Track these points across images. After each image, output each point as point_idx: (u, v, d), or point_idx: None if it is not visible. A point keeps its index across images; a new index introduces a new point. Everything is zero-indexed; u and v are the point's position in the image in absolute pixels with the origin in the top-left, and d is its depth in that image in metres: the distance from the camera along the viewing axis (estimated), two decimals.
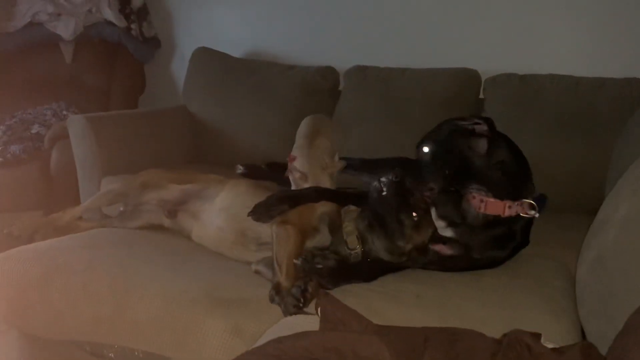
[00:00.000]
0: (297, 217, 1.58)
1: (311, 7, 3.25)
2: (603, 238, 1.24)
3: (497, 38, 2.86)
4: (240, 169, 2.45)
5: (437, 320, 1.29)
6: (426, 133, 1.72)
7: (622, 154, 2.09)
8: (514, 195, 1.55)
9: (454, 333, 1.07)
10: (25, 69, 3.45)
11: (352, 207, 1.62)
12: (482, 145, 1.55)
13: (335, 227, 1.60)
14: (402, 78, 2.80)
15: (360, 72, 2.91)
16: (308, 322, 1.23)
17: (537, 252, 1.70)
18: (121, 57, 3.50)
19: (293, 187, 1.81)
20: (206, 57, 3.20)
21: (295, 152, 1.90)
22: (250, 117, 2.96)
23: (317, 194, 1.67)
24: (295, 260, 1.46)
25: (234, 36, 3.43)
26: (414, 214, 1.50)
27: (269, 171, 2.35)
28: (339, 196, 1.71)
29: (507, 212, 1.53)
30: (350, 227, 1.56)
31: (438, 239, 1.54)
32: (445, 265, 1.57)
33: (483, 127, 1.57)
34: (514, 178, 1.57)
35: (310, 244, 1.57)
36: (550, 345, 1.02)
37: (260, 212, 1.57)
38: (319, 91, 2.97)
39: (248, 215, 1.57)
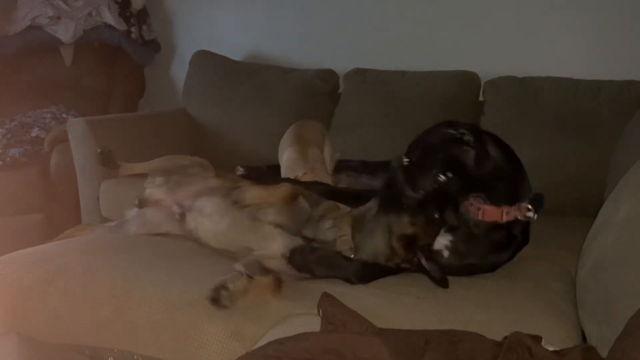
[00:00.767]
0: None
1: (311, 10, 3.25)
2: (603, 241, 1.24)
3: (496, 41, 2.87)
4: (240, 170, 2.45)
5: (437, 323, 1.29)
6: (416, 137, 1.71)
7: (622, 156, 2.09)
8: (511, 199, 1.54)
9: (455, 335, 1.07)
10: (25, 72, 3.45)
11: (347, 210, 1.63)
12: (471, 153, 1.53)
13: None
14: (401, 81, 2.81)
15: (360, 75, 2.92)
16: (309, 323, 1.22)
17: (537, 254, 1.70)
18: (121, 60, 3.50)
19: None
20: (206, 60, 3.21)
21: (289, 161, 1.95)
22: (250, 120, 2.96)
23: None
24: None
25: (233, 39, 3.44)
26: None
27: (269, 173, 2.35)
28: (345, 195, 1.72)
29: (505, 218, 1.52)
30: (346, 236, 1.55)
31: (422, 248, 1.52)
32: (444, 270, 1.57)
33: (469, 138, 1.54)
34: (509, 182, 1.55)
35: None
36: (550, 348, 1.02)
37: None
38: (319, 94, 2.98)
39: None
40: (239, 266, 1.50)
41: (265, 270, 1.49)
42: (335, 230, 1.57)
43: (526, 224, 1.60)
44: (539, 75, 2.62)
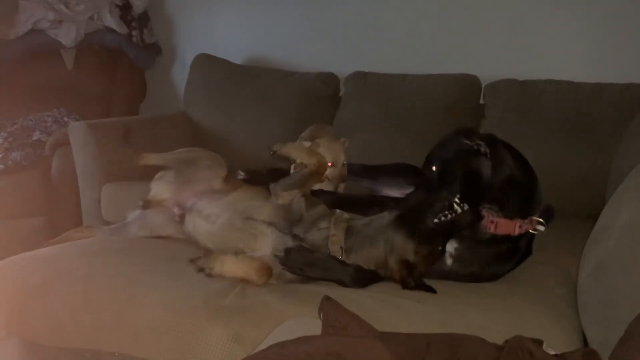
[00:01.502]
0: None
1: (312, 13, 3.26)
2: (604, 244, 1.24)
3: (497, 44, 2.87)
4: (241, 174, 2.45)
5: (438, 327, 1.29)
6: (432, 148, 1.69)
7: (623, 159, 2.09)
8: (524, 212, 1.53)
9: (456, 339, 1.07)
10: (27, 75, 3.46)
11: (345, 216, 1.62)
12: (487, 165, 1.52)
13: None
14: (402, 84, 2.81)
15: (361, 78, 2.92)
16: (310, 327, 1.22)
17: (538, 258, 1.70)
18: (122, 64, 3.51)
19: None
20: (207, 64, 3.21)
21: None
22: (250, 123, 2.96)
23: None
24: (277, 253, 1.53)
25: (234, 43, 3.45)
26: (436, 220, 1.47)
27: (270, 176, 2.35)
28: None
29: (518, 231, 1.52)
30: (337, 235, 1.55)
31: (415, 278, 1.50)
32: (445, 276, 1.56)
33: (485, 149, 1.54)
34: (524, 195, 1.54)
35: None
36: (551, 352, 1.02)
37: None
38: (320, 97, 2.98)
39: None
40: None
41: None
42: (325, 232, 1.57)
43: (532, 236, 1.59)
44: (540, 78, 2.62)
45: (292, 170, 1.89)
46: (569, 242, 1.82)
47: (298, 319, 1.36)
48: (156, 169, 1.98)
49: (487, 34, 2.89)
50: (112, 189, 2.62)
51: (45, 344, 1.54)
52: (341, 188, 2.11)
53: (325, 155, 1.84)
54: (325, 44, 3.24)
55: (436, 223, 1.44)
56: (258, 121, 2.95)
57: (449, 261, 1.56)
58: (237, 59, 3.30)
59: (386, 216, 1.55)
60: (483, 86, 2.73)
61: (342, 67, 3.02)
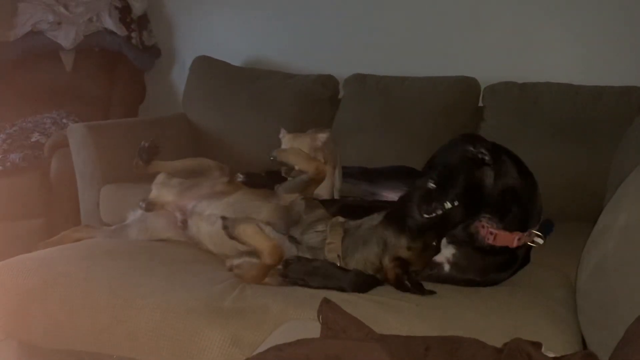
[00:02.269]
0: None
1: (311, 15, 3.26)
2: (603, 247, 1.24)
3: (496, 46, 2.88)
4: (240, 177, 2.44)
5: (437, 330, 1.29)
6: (436, 152, 1.66)
7: (622, 162, 2.09)
8: (524, 225, 1.52)
9: (455, 341, 1.07)
10: (26, 77, 3.46)
11: (340, 219, 1.62)
12: (490, 174, 1.50)
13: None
14: (401, 86, 2.81)
15: (360, 81, 2.92)
16: (308, 329, 1.22)
17: (537, 261, 1.70)
18: (121, 66, 3.51)
19: None
20: (206, 66, 3.21)
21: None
22: (250, 126, 2.96)
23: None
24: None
25: (234, 45, 3.45)
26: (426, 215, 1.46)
27: (268, 179, 2.35)
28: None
29: (516, 244, 1.51)
30: (335, 242, 1.54)
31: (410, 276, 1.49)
32: (442, 281, 1.56)
33: (489, 159, 1.51)
34: (524, 207, 1.53)
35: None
36: (551, 355, 1.02)
37: None
38: (319, 100, 2.98)
39: None
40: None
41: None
42: (322, 235, 1.57)
43: (531, 246, 1.59)
44: (539, 81, 2.62)
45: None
46: (568, 245, 1.82)
47: (297, 321, 1.35)
48: (155, 174, 1.98)
49: (486, 36, 2.90)
50: (111, 190, 2.62)
51: (43, 346, 1.54)
52: (336, 192, 2.10)
53: (283, 143, 1.89)
54: (325, 47, 3.25)
55: (426, 218, 1.43)
56: (257, 123, 2.95)
57: (446, 267, 1.55)
58: (236, 61, 3.30)
59: (376, 216, 1.55)
60: (482, 89, 2.73)
61: (341, 70, 3.02)
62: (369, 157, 2.51)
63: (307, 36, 3.29)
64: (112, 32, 3.41)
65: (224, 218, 1.61)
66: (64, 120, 3.18)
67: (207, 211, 1.75)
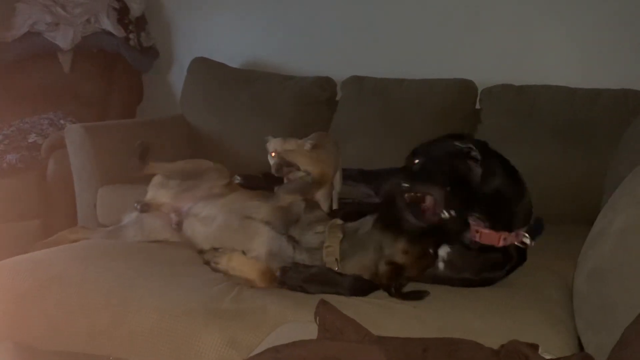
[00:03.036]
0: None
1: (309, 17, 3.27)
2: (600, 249, 1.24)
3: (493, 49, 2.88)
4: (237, 178, 2.45)
5: (435, 332, 1.29)
6: (421, 143, 1.67)
7: (619, 164, 2.10)
8: (510, 225, 1.52)
9: (452, 343, 1.07)
10: (23, 78, 3.45)
11: (339, 222, 1.61)
12: (477, 172, 1.51)
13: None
14: (399, 88, 2.82)
15: (358, 83, 2.92)
16: (306, 331, 1.22)
17: (534, 263, 1.70)
18: (119, 67, 3.51)
19: None
20: (204, 67, 3.21)
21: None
22: (247, 127, 2.96)
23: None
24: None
25: (231, 46, 3.45)
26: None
27: (266, 181, 2.35)
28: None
29: (502, 243, 1.51)
30: (333, 245, 1.53)
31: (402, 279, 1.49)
32: (438, 280, 1.56)
33: (476, 154, 1.52)
34: (511, 207, 1.53)
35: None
36: (548, 357, 1.02)
37: None
38: (317, 101, 2.98)
39: None
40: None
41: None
42: (321, 237, 1.56)
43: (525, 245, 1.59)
44: (536, 83, 2.63)
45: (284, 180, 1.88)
46: (565, 247, 1.83)
47: (294, 323, 1.35)
48: (153, 176, 1.98)
49: (483, 39, 2.90)
50: (108, 192, 2.61)
51: (39, 347, 1.53)
52: (336, 195, 2.10)
53: (270, 145, 1.89)
54: (323, 49, 3.25)
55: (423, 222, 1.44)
56: (255, 125, 2.94)
57: (440, 265, 1.56)
58: (234, 62, 3.30)
59: (369, 219, 1.55)
60: (479, 91, 2.74)
61: (339, 72, 3.03)
62: (367, 159, 2.50)
63: (305, 38, 3.29)
64: (110, 33, 3.41)
65: (201, 252, 1.58)
66: (62, 121, 3.17)
67: (203, 213, 1.75)
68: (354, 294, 1.48)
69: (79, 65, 3.47)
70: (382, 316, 1.38)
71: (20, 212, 2.80)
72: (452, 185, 1.48)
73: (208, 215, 1.73)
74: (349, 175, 2.14)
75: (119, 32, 3.40)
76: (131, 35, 3.45)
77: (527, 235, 1.55)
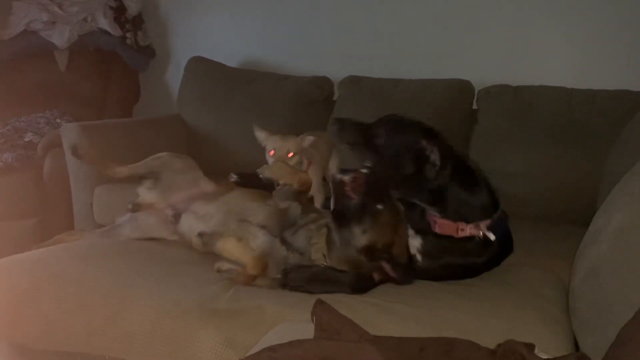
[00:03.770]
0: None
1: (306, 17, 3.27)
2: (596, 249, 1.25)
3: (490, 50, 2.89)
4: (233, 177, 2.44)
5: (431, 331, 1.29)
6: (391, 121, 1.69)
7: (615, 164, 2.10)
8: (466, 216, 1.55)
9: (449, 343, 1.07)
10: (20, 77, 3.44)
11: (325, 220, 1.63)
12: (432, 171, 1.53)
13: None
14: (396, 88, 2.82)
15: (355, 83, 2.92)
16: (302, 330, 1.22)
17: (530, 262, 1.71)
18: (116, 66, 3.50)
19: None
20: (201, 67, 3.21)
21: None
22: (244, 127, 2.93)
23: None
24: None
25: (228, 46, 3.45)
26: (378, 206, 1.50)
27: (261, 179, 2.35)
28: None
29: (461, 234, 1.54)
30: (320, 244, 1.56)
31: (382, 257, 1.51)
32: (423, 275, 1.58)
33: (435, 160, 1.53)
34: (464, 200, 1.55)
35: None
36: (544, 356, 1.02)
37: None
38: (314, 101, 2.98)
39: None
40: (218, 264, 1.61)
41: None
42: (308, 238, 1.58)
43: (504, 234, 1.60)
44: (533, 84, 2.64)
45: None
46: (561, 247, 1.84)
47: (290, 322, 1.35)
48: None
49: (480, 39, 2.91)
50: (104, 191, 2.61)
51: (35, 347, 1.53)
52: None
53: (270, 143, 1.94)
54: (320, 48, 3.25)
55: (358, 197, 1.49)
56: (251, 124, 2.94)
57: (419, 257, 1.58)
58: (231, 62, 3.30)
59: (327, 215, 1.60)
60: (476, 91, 2.74)
61: (336, 72, 3.03)
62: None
63: (302, 38, 3.29)
64: (106, 32, 3.40)
65: (200, 234, 1.62)
66: (58, 120, 3.17)
67: (202, 211, 1.75)
68: (356, 292, 1.49)
69: (75, 64, 3.46)
70: (379, 316, 1.38)
71: (16, 211, 2.80)
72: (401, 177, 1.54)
73: (207, 213, 1.73)
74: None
75: (115, 31, 3.40)
76: (128, 34, 3.45)
77: (486, 227, 1.55)
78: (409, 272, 1.51)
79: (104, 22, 3.38)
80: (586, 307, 1.29)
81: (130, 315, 1.43)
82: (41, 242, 1.98)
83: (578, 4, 2.72)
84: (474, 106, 2.75)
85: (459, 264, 1.60)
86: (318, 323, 1.18)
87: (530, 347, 1.03)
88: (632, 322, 1.02)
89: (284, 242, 1.59)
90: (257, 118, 2.94)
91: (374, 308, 1.41)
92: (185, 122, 3.11)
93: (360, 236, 1.49)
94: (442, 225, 1.55)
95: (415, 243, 1.58)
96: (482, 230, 1.55)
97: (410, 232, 1.60)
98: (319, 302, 1.24)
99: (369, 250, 1.49)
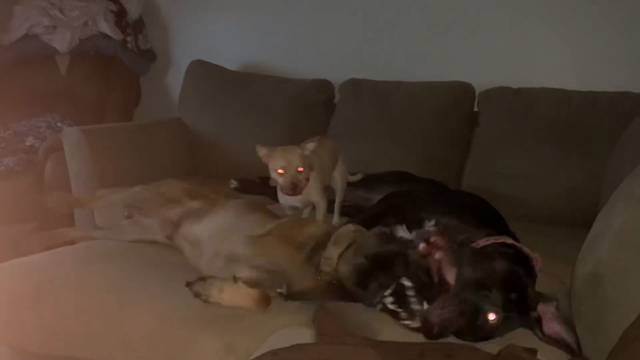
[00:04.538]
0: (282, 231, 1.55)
1: (306, 20, 3.27)
2: (598, 252, 1.24)
3: (491, 52, 2.89)
4: (233, 183, 2.45)
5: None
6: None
7: (616, 167, 2.10)
8: None
9: (450, 348, 1.07)
10: (21, 81, 3.45)
11: (349, 229, 1.51)
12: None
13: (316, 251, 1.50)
14: (397, 91, 2.82)
15: (355, 85, 2.92)
16: (303, 336, 1.22)
17: None
18: (117, 70, 3.50)
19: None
20: (201, 70, 3.21)
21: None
22: (245, 130, 2.96)
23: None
24: (279, 290, 1.42)
25: (229, 49, 3.45)
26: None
27: (262, 185, 2.35)
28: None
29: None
30: (332, 254, 1.45)
31: None
32: None
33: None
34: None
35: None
36: None
37: None
38: (314, 104, 2.98)
39: None
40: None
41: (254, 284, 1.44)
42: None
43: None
44: (534, 86, 2.64)
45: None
46: (562, 250, 1.82)
47: (292, 328, 1.35)
48: (151, 175, 1.98)
49: (481, 42, 2.91)
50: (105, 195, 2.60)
51: (35, 351, 1.52)
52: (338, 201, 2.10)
53: (276, 161, 1.82)
54: (320, 51, 3.25)
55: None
56: (252, 128, 2.94)
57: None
58: (231, 65, 3.30)
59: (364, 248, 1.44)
60: (477, 94, 2.74)
61: (337, 74, 3.03)
62: (364, 162, 2.51)
63: (302, 40, 3.29)
64: (107, 36, 3.40)
65: (189, 284, 1.40)
66: (59, 124, 3.17)
67: (191, 235, 1.70)
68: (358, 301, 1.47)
69: (76, 68, 3.47)
70: (382, 323, 1.37)
71: (17, 215, 2.79)
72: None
73: (194, 240, 1.68)
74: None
75: (116, 34, 3.40)
76: (129, 38, 3.45)
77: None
78: None
79: (105, 26, 3.39)
80: (588, 310, 1.28)
81: (130, 320, 1.43)
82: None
83: (578, 6, 2.72)
84: (475, 108, 2.75)
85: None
86: (319, 328, 1.18)
87: (532, 352, 1.03)
88: (634, 325, 1.02)
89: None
90: (258, 121, 2.95)
91: (376, 314, 1.40)
92: (186, 126, 3.12)
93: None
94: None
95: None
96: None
97: None
98: (320, 308, 1.24)
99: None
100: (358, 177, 2.30)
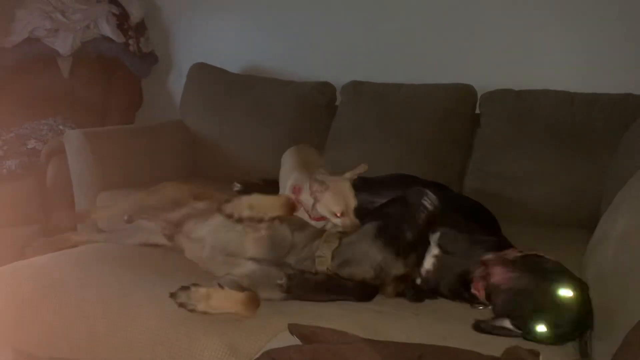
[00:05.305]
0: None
1: (308, 23, 3.27)
2: (602, 255, 1.24)
3: (493, 54, 2.88)
4: (237, 186, 2.45)
5: (437, 340, 1.27)
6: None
7: (618, 168, 2.10)
8: None
9: (451, 352, 1.06)
10: (23, 84, 3.45)
11: (334, 233, 1.58)
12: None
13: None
14: (398, 93, 2.81)
15: (357, 88, 2.92)
16: None
17: None
18: (118, 73, 3.51)
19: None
20: (203, 73, 3.21)
21: (296, 182, 1.84)
22: (247, 133, 2.96)
23: None
24: (279, 281, 1.46)
25: (231, 52, 3.45)
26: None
27: (265, 187, 2.35)
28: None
29: None
30: (325, 255, 1.50)
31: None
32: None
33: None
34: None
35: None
36: None
37: None
38: (316, 106, 2.98)
39: None
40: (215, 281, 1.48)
41: (242, 288, 1.45)
42: (312, 255, 1.52)
43: None
44: (535, 88, 2.63)
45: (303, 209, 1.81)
46: (565, 252, 1.81)
47: None
48: (153, 177, 1.98)
49: (483, 44, 2.91)
50: (107, 197, 2.60)
51: (38, 354, 1.52)
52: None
53: (334, 205, 1.65)
54: (322, 54, 3.25)
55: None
56: (254, 130, 2.95)
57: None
58: (233, 68, 3.30)
59: (369, 229, 1.52)
60: (479, 96, 2.74)
61: (339, 77, 3.03)
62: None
63: (304, 43, 3.29)
64: (109, 39, 3.41)
65: (172, 295, 1.39)
66: (61, 127, 3.17)
67: (194, 234, 1.71)
68: (361, 300, 1.48)
69: (78, 70, 3.47)
70: (384, 324, 1.37)
71: (20, 218, 2.80)
72: None
73: (197, 237, 1.70)
74: None
75: (118, 37, 3.41)
76: (130, 41, 3.46)
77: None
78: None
79: (107, 29, 3.39)
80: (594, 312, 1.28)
81: (132, 323, 1.43)
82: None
83: (580, 8, 2.72)
84: (477, 110, 2.75)
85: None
86: (303, 336, 1.17)
87: (535, 354, 1.02)
88: (637, 327, 1.01)
89: (284, 265, 1.53)
90: (260, 124, 2.95)
91: (379, 315, 1.40)
92: (188, 128, 3.12)
93: (400, 269, 1.47)
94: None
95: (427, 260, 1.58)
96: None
97: (435, 250, 1.59)
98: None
99: (402, 279, 1.49)
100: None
